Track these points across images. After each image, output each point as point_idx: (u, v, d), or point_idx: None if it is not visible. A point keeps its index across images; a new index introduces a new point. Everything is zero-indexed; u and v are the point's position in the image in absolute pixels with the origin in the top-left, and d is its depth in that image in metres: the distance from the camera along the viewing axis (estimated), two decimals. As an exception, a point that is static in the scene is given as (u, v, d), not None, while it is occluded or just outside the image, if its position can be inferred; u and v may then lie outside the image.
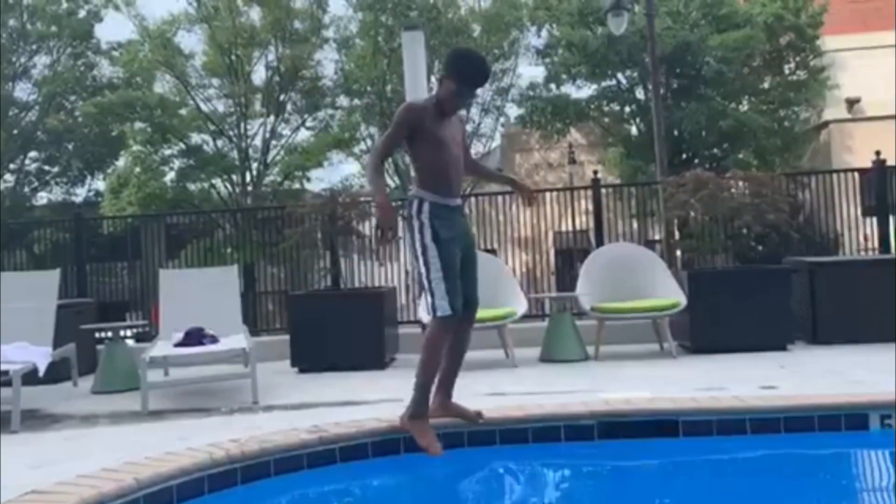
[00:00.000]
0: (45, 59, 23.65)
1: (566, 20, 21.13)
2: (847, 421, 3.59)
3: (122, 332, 6.20)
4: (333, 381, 5.53)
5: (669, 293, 6.07)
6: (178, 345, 5.27)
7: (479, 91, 3.63)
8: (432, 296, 3.48)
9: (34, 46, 23.36)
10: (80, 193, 24.73)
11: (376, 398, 4.63)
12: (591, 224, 8.02)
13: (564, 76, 21.92)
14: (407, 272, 9.82)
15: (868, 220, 8.06)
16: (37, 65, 23.65)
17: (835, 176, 8.54)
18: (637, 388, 4.53)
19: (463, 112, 4.25)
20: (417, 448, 3.42)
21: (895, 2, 22.96)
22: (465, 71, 3.58)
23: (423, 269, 3.52)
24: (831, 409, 3.63)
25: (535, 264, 9.53)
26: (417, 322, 6.49)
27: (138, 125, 21.97)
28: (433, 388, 3.60)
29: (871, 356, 5.45)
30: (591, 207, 8.03)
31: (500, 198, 8.73)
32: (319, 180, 22.06)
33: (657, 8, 16.34)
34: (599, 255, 6.67)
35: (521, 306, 5.98)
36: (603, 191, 8.25)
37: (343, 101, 22.82)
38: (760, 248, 9.25)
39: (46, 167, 24.14)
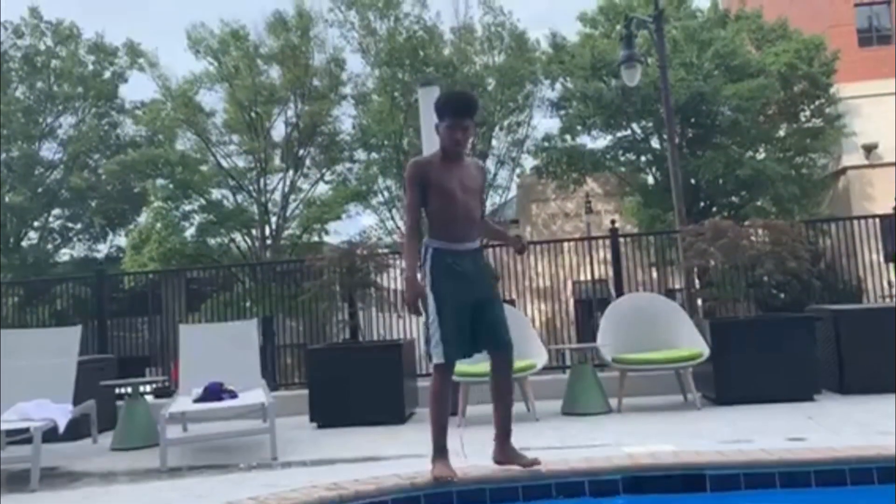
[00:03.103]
0: (70, 120, 24.33)
1: (580, 73, 21.43)
2: (879, 474, 3.48)
3: (141, 388, 6.20)
4: (352, 437, 5.47)
5: (692, 343, 5.99)
6: (197, 400, 5.26)
7: (468, 119, 3.63)
8: (428, 343, 3.58)
9: (60, 107, 24.04)
10: (101, 249, 25.14)
11: (396, 454, 4.57)
12: (610, 273, 7.98)
13: (579, 127, 22.13)
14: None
15: (891, 265, 7.97)
16: (62, 125, 24.34)
17: (855, 222, 8.48)
18: (662, 441, 4.44)
19: (479, 161, 4.24)
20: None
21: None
22: (444, 106, 3.71)
23: (425, 315, 3.64)
24: (862, 462, 3.53)
25: (555, 314, 9.46)
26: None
27: (160, 182, 22.40)
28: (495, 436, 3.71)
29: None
30: (609, 257, 8.00)
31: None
32: (337, 233, 22.31)
33: (670, 59, 16.54)
34: (620, 305, 6.61)
35: (541, 358, 5.92)
36: (621, 240, 8.23)
37: (361, 154, 23.18)
38: (782, 295, 9.15)
39: (70, 224, 24.59)
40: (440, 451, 3.66)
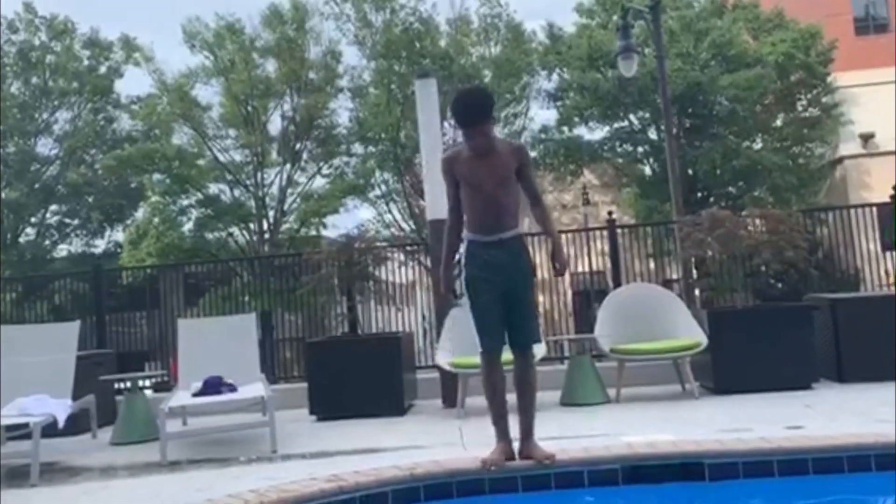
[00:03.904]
0: (66, 115, 24.23)
1: (577, 64, 21.38)
2: (877, 461, 3.50)
3: (140, 383, 6.21)
4: (352, 429, 5.48)
5: (690, 333, 6.01)
6: (196, 394, 5.27)
7: (476, 127, 3.58)
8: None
9: (56, 102, 23.96)
10: (99, 245, 25.09)
11: (395, 445, 4.58)
12: (608, 265, 7.99)
13: (576, 118, 22.10)
14: (424, 317, 9.79)
15: (888, 254, 7.98)
16: (58, 120, 24.24)
17: (852, 211, 8.49)
18: (660, 430, 4.46)
19: (515, 143, 4.20)
20: (437, 496, 3.37)
21: (902, 37, 22.96)
22: (452, 114, 3.83)
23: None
24: (860, 449, 3.54)
25: (553, 306, 9.45)
26: (435, 367, 6.44)
27: (157, 177, 22.33)
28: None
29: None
30: (607, 248, 8.00)
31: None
32: (335, 227, 22.21)
33: (667, 50, 16.50)
34: (617, 296, 6.62)
35: (539, 349, 5.92)
36: (619, 231, 8.23)
37: (358, 148, 23.10)
38: (780, 285, 9.16)
39: (67, 220, 24.53)
40: (497, 436, 3.72)
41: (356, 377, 6.05)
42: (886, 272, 8.37)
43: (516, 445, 3.70)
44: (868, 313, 6.21)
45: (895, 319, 5.99)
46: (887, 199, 7.74)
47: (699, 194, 20.52)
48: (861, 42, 24.91)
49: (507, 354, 3.75)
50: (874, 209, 8.41)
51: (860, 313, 6.21)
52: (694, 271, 9.19)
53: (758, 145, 21.74)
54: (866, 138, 24.16)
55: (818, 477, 3.49)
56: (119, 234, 25.03)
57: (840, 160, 24.56)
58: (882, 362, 5.93)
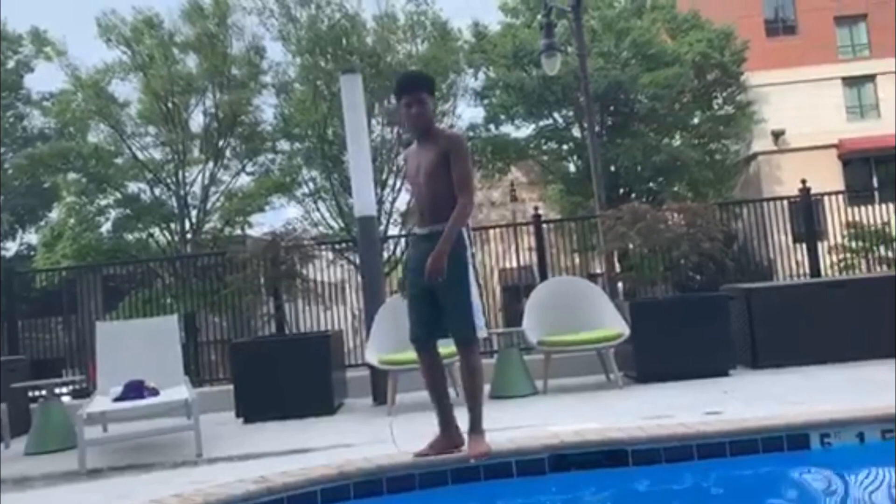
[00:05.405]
0: (-29, 112, 23.03)
1: (502, 63, 21.62)
2: (789, 441, 3.67)
3: (57, 390, 5.96)
4: (281, 430, 5.41)
5: (613, 324, 6.15)
6: (116, 399, 5.09)
7: (409, 95, 3.64)
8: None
9: (-41, 99, 22.77)
10: (10, 247, 23.96)
11: (325, 444, 4.54)
12: (535, 259, 8.11)
13: (503, 116, 22.36)
14: (354, 315, 9.72)
15: (798, 246, 8.36)
16: (-37, 117, 23.02)
17: (765, 205, 8.87)
18: (586, 419, 4.55)
19: (449, 133, 4.03)
20: (367, 493, 3.37)
21: (812, 38, 24.14)
22: (395, 89, 3.88)
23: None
24: (773, 431, 3.71)
25: (482, 302, 9.56)
26: (365, 365, 6.42)
27: (72, 176, 21.48)
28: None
29: (807, 378, 5.63)
30: (533, 244, 8.12)
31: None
32: (261, 225, 21.83)
33: (589, 49, 16.85)
34: (543, 289, 6.73)
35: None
36: (545, 226, 8.37)
37: (284, 145, 22.76)
38: (699, 277, 9.48)
39: (-26, 222, 23.35)
40: (439, 426, 3.78)
41: (284, 378, 5.97)
42: (797, 263, 8.76)
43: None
44: (781, 302, 6.49)
45: (805, 307, 6.29)
46: (797, 193, 8.10)
47: (621, 190, 21.07)
48: (772, 43, 26.01)
49: (451, 347, 3.82)
50: (785, 203, 8.81)
51: (773, 302, 6.49)
52: (617, 265, 9.42)
53: (676, 142, 22.46)
54: (777, 135, 25.25)
55: (735, 458, 3.63)
56: (32, 236, 23.98)
57: (754, 156, 25.57)
58: (794, 349, 6.23)
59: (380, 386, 6.11)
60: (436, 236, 3.59)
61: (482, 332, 3.73)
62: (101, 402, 5.13)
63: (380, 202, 19.44)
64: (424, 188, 3.67)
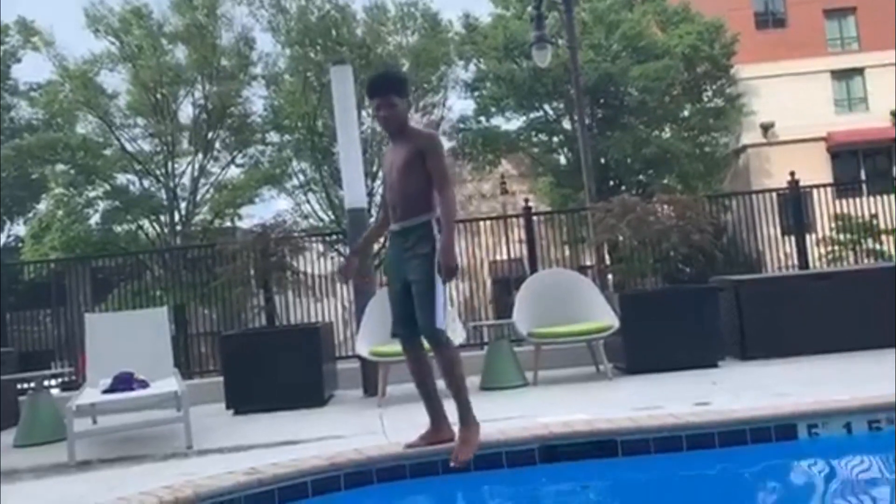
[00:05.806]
0: (-43, 102, 22.83)
1: (493, 55, 21.59)
2: (777, 432, 3.70)
3: (45, 382, 5.93)
4: (271, 422, 5.40)
5: (603, 316, 6.17)
6: (106, 391, 5.07)
7: (378, 98, 3.68)
8: None
9: (-55, 89, 22.57)
10: (-2, 239, 23.80)
11: (316, 436, 4.54)
12: (525, 252, 8.13)
13: (493, 108, 22.34)
14: (344, 307, 9.71)
15: (787, 238, 8.41)
16: (-51, 108, 22.81)
17: (754, 197, 8.91)
18: (575, 410, 4.57)
19: (422, 132, 3.99)
20: (357, 483, 3.38)
21: (801, 31, 24.22)
22: (366, 88, 3.92)
23: None
24: (761, 422, 3.74)
25: (473, 294, 9.57)
26: (356, 356, 6.42)
27: (60, 167, 21.35)
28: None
29: (795, 369, 5.67)
30: (524, 236, 8.14)
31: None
32: (251, 217, 21.77)
33: (580, 41, 16.85)
34: (534, 282, 6.74)
35: (458, 336, 5.98)
36: (535, 219, 8.38)
37: (273, 137, 22.68)
38: (688, 269, 9.52)
39: (-39, 214, 23.17)
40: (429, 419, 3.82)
41: (274, 369, 5.96)
42: (786, 254, 8.82)
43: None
44: (769, 294, 6.53)
45: (793, 299, 6.33)
46: (785, 185, 8.14)
47: (612, 182, 21.13)
48: (761, 36, 26.07)
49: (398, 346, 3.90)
50: (774, 195, 8.85)
51: (762, 294, 6.53)
52: (607, 257, 9.45)
53: (666, 135, 22.51)
54: (766, 128, 25.34)
55: (724, 449, 3.66)
56: (20, 228, 23.82)
57: (743, 149, 25.66)
58: (782, 340, 6.27)
59: (370, 377, 6.11)
60: (408, 231, 3.68)
61: (443, 327, 3.64)
62: (90, 394, 5.12)
63: (370, 194, 19.38)
64: (397, 185, 3.71)
